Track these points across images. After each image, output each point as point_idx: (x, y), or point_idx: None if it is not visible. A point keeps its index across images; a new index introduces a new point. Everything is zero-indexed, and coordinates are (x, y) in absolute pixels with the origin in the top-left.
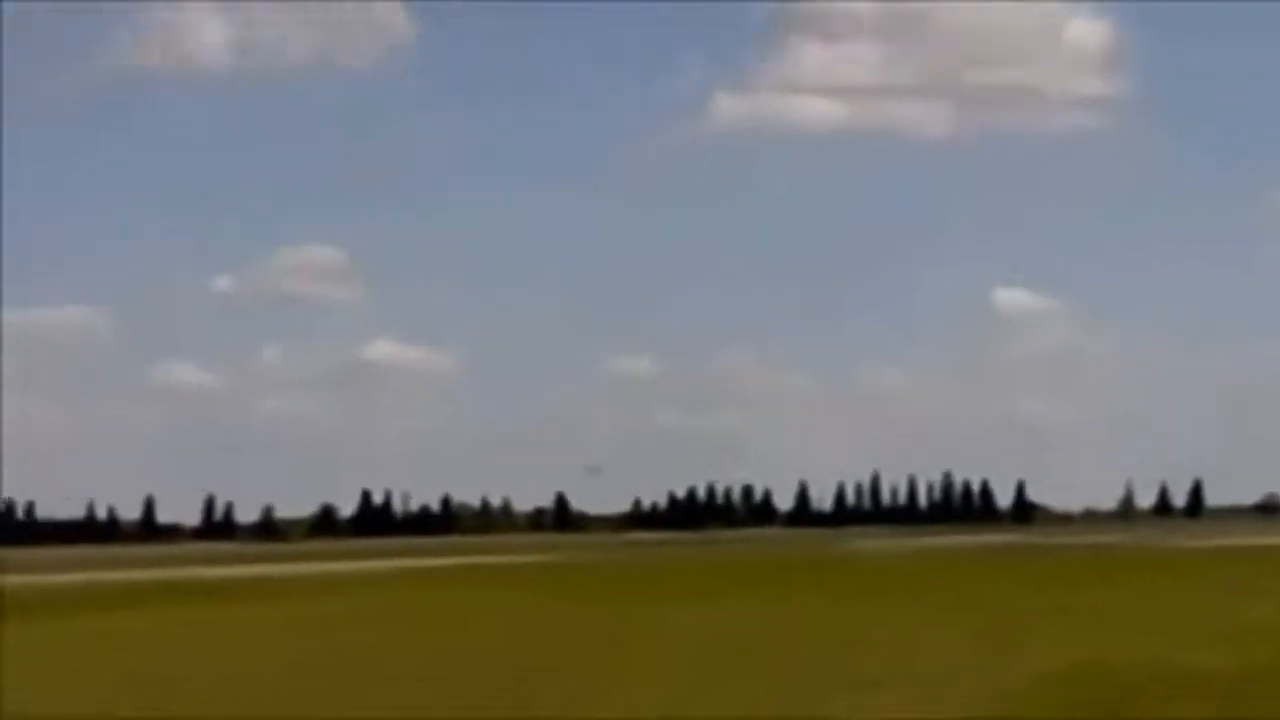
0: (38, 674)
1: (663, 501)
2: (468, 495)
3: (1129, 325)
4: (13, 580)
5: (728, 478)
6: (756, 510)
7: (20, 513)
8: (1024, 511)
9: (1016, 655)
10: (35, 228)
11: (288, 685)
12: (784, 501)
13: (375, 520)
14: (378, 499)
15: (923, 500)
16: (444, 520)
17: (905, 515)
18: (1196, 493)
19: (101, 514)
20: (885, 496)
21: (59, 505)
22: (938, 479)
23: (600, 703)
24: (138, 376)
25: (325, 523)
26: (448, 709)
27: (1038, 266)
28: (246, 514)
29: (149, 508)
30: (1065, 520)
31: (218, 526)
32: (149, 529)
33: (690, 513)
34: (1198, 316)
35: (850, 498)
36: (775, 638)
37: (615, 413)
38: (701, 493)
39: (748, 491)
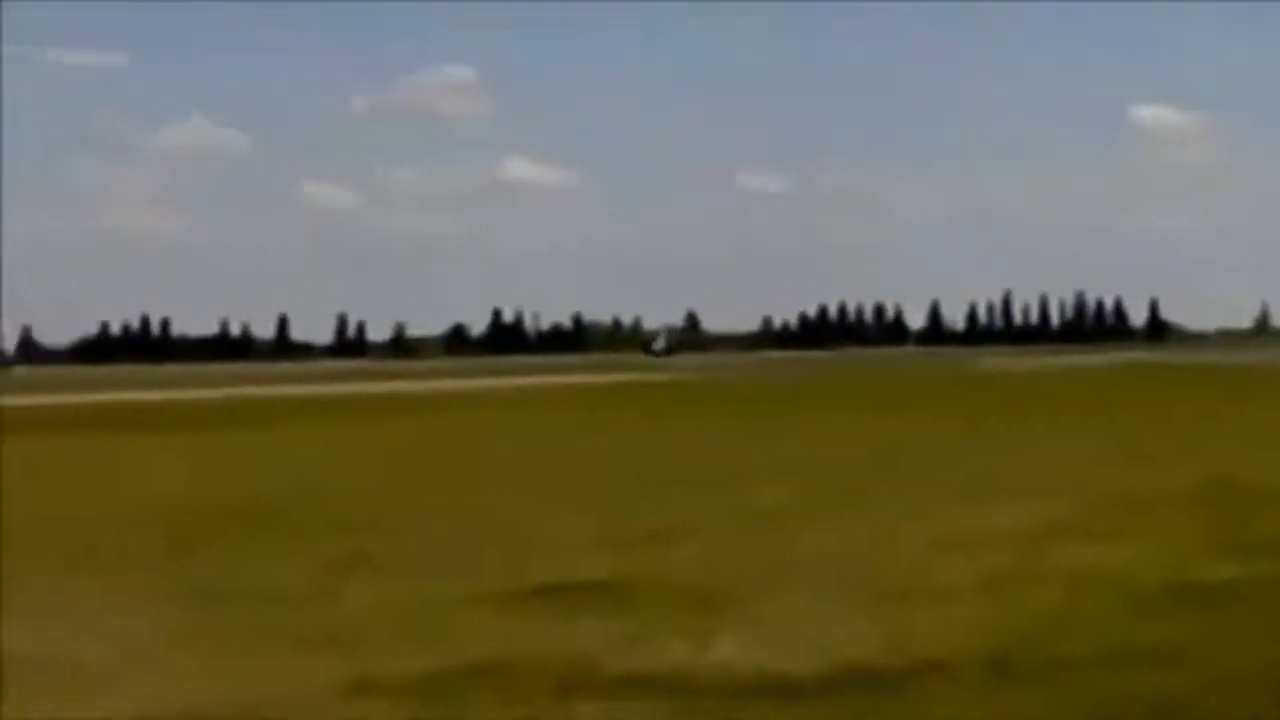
0: (166, 483)
1: (793, 320)
2: (599, 313)
3: (1268, 142)
4: (147, 396)
5: (859, 296)
6: (888, 329)
7: (155, 329)
8: (1157, 330)
9: (1146, 469)
10: (174, 48)
11: (411, 495)
12: (916, 320)
13: (506, 338)
14: (509, 317)
15: (1055, 319)
16: (575, 338)
17: (1037, 334)
18: None
19: (235, 331)
20: (1017, 315)
21: (193, 322)
22: (1070, 298)
23: (725, 511)
24: (274, 195)
25: (457, 341)
26: (574, 521)
27: (1177, 81)
28: (378, 332)
29: (282, 325)
30: (1199, 339)
31: (350, 344)
32: (282, 346)
33: (821, 331)
34: None
35: (982, 316)
36: (902, 450)
37: (746, 230)
38: (833, 311)
39: (879, 310)
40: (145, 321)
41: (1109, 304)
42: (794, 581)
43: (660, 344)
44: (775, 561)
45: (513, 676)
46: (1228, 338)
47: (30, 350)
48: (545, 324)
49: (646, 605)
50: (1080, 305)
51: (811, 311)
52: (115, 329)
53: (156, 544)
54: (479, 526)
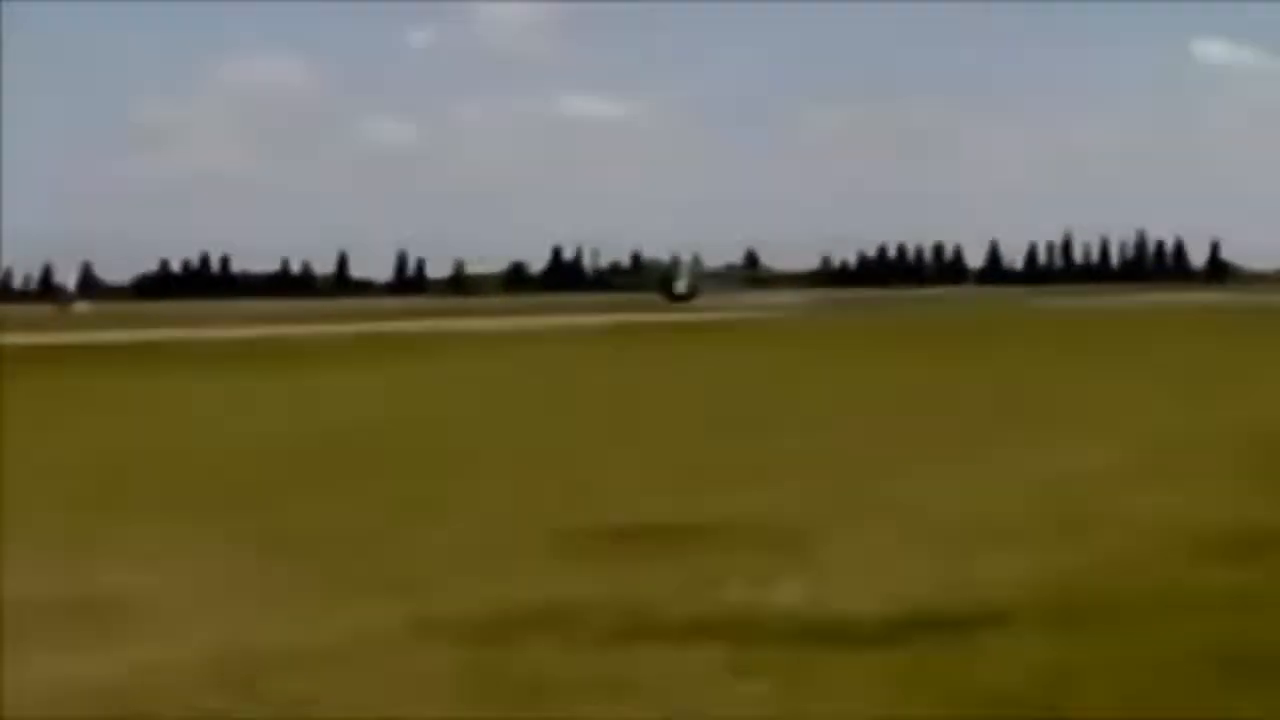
0: (223, 423)
1: (852, 259)
2: (658, 250)
3: None
4: (208, 334)
5: (918, 235)
6: (947, 268)
7: (215, 265)
8: (1218, 271)
9: (1206, 411)
10: None
11: (472, 436)
12: (975, 260)
13: (566, 276)
14: (568, 254)
15: (1115, 259)
16: (634, 276)
17: (1097, 274)
18: None
19: (295, 268)
20: (1077, 255)
21: (254, 259)
22: (1130, 237)
23: (787, 454)
24: (335, 130)
25: (516, 278)
26: (635, 463)
27: (1239, 16)
28: (438, 269)
29: (342, 262)
30: (1260, 279)
31: (409, 281)
32: (342, 283)
33: (880, 270)
34: None
35: (1042, 256)
36: (960, 393)
37: (806, 167)
38: (892, 250)
39: (938, 249)
40: (205, 258)
41: (1169, 244)
42: (853, 525)
43: (682, 285)
44: (835, 505)
45: (574, 620)
46: None
47: (91, 286)
48: (604, 261)
49: (709, 549)
50: (1141, 245)
51: (870, 250)
52: (176, 266)
53: (216, 487)
54: (541, 468)
